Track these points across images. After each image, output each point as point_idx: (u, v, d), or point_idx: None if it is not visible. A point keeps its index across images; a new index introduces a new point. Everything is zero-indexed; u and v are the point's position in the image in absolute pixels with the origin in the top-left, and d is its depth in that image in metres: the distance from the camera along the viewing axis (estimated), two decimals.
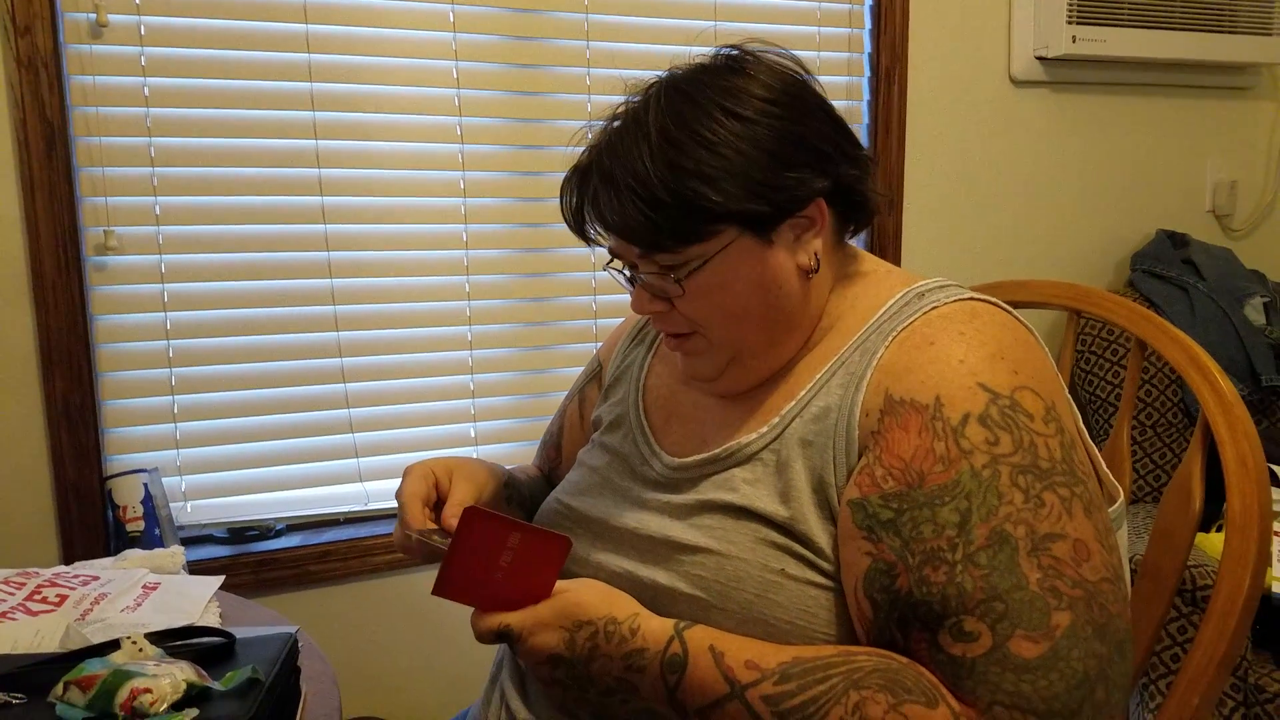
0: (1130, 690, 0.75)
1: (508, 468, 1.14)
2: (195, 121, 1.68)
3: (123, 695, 0.74)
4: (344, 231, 1.79)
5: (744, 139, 0.84)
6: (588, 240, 0.93)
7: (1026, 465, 0.75)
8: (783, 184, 0.85)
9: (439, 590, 0.84)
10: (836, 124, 0.90)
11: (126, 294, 1.68)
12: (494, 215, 1.89)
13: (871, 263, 0.96)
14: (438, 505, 0.97)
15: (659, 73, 0.91)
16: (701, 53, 0.92)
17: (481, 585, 0.83)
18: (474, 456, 1.07)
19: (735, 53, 0.90)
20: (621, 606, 0.83)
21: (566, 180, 0.93)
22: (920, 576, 0.74)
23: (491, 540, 0.82)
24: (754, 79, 0.87)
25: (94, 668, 0.78)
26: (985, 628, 0.71)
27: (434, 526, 0.93)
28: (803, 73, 0.90)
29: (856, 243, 0.98)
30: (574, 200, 0.92)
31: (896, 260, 2.18)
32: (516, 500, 1.10)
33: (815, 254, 0.88)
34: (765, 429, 0.88)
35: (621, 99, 0.91)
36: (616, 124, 0.89)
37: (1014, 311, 0.86)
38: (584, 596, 0.84)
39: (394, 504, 1.83)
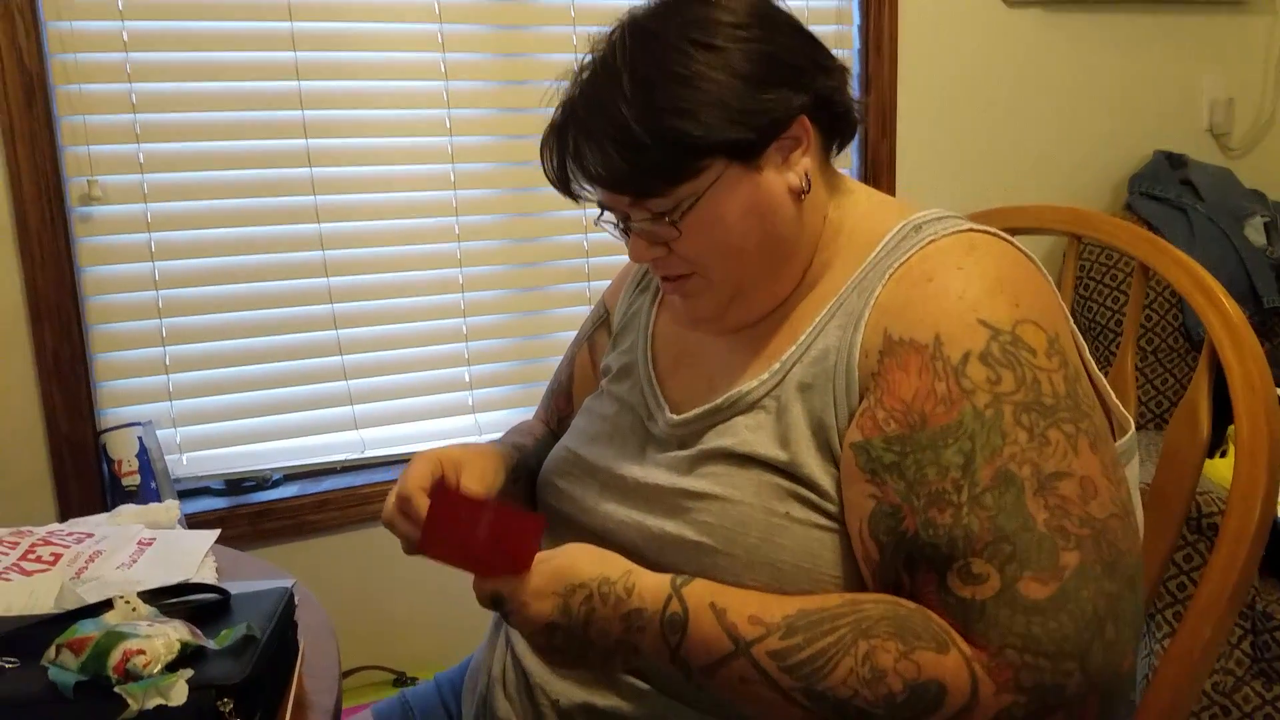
0: (1141, 626, 0.74)
1: (515, 438, 1.11)
2: (176, 65, 1.64)
3: (115, 657, 0.73)
4: (331, 175, 1.76)
5: (718, 68, 0.82)
6: (575, 198, 0.91)
7: (1030, 403, 0.73)
8: (763, 107, 0.83)
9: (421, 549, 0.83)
10: (806, 36, 0.88)
11: (113, 244, 1.65)
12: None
13: (865, 192, 0.94)
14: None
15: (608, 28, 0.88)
16: None
17: (462, 549, 0.81)
18: (480, 444, 1.03)
19: None
20: (614, 565, 0.81)
21: (544, 141, 0.90)
22: (926, 519, 0.72)
23: (464, 519, 0.81)
24: (718, 5, 0.85)
25: (86, 629, 0.76)
26: (993, 569, 0.70)
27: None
28: None
29: (851, 173, 0.96)
30: (555, 159, 0.90)
31: (891, 185, 2.15)
32: (526, 480, 1.06)
33: (805, 173, 0.86)
34: (766, 375, 0.86)
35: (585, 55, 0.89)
36: (586, 75, 0.87)
37: (1014, 241, 0.84)
38: (575, 560, 0.81)
39: (390, 450, 1.83)
